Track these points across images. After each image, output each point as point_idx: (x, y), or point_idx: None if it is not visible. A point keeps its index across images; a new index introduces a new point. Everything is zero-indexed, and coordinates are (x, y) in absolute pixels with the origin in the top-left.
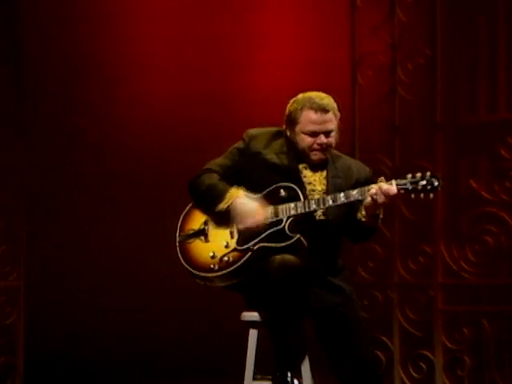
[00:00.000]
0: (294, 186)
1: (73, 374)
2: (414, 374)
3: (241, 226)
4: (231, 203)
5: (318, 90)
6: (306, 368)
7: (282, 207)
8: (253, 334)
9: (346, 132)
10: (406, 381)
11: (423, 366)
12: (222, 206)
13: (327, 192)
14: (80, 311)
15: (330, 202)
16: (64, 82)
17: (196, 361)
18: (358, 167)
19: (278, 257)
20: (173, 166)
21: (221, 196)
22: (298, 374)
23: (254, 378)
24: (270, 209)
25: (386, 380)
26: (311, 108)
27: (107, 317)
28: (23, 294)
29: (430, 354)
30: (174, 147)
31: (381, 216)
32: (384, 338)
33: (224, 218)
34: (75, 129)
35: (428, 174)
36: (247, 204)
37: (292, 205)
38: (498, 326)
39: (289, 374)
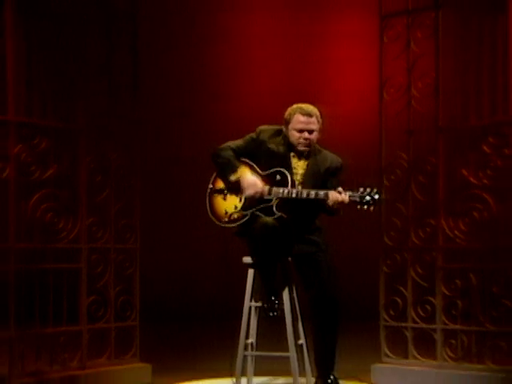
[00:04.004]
0: (287, 173)
1: (171, 308)
2: (421, 313)
3: (246, 193)
4: (240, 176)
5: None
6: (286, 295)
7: (274, 189)
8: (250, 272)
9: (376, 135)
10: (416, 318)
11: (428, 307)
12: (233, 177)
13: (305, 174)
14: (175, 266)
15: (304, 195)
16: (178, 96)
17: (214, 292)
18: (331, 159)
19: (262, 219)
20: None
21: (234, 170)
22: (279, 298)
23: (254, 301)
24: (267, 188)
25: (402, 318)
26: (300, 113)
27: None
28: (139, 254)
29: (433, 299)
30: None
31: (341, 210)
32: (401, 288)
33: (235, 186)
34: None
35: (375, 190)
36: (251, 178)
37: (280, 190)
38: (481, 279)
39: (272, 298)
